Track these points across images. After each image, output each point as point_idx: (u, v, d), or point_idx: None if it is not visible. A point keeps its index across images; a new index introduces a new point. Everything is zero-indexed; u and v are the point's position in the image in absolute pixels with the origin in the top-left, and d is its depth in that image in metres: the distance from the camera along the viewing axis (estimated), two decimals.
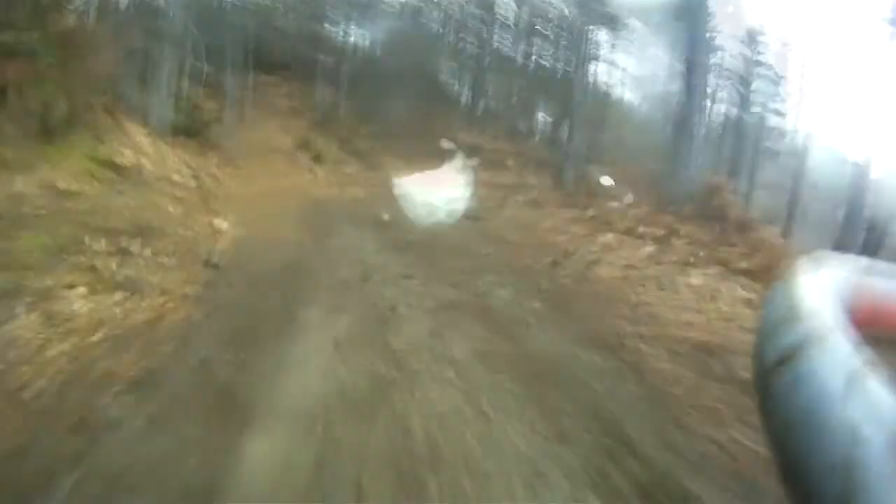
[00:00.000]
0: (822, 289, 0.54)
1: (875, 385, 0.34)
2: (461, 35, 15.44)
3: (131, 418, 2.32)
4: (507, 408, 2.78)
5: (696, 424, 2.81)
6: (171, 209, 5.96)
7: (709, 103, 12.34)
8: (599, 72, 13.16)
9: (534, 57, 14.78)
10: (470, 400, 2.82)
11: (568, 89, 11.94)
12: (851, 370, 0.34)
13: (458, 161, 9.46)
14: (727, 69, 12.72)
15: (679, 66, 10.26)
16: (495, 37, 14.78)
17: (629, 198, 8.59)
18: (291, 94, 14.14)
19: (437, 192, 8.03)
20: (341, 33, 15.00)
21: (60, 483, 1.85)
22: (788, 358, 0.41)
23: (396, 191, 8.24)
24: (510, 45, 14.88)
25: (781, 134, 13.10)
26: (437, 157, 9.83)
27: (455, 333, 3.79)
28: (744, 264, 5.95)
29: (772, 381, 0.42)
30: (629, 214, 7.87)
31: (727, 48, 12.55)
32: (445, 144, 9.94)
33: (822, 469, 0.31)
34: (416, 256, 5.84)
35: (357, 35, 15.11)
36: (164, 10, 9.08)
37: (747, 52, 12.87)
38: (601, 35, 12.78)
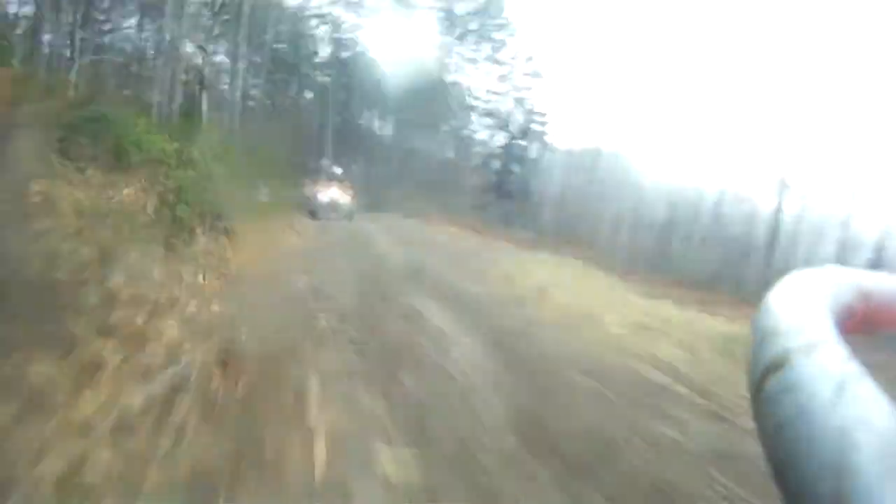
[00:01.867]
0: (814, 297, 0.60)
1: (866, 391, 0.42)
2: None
3: None
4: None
5: None
6: None
7: None
8: None
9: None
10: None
11: None
12: (843, 376, 0.42)
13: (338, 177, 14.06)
14: None
15: None
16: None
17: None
18: None
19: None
20: None
21: None
22: (781, 364, 0.46)
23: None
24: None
25: None
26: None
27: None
28: None
29: (764, 386, 0.46)
30: None
31: None
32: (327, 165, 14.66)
33: (814, 472, 0.38)
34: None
35: None
36: None
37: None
38: None
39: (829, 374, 0.33)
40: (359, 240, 9.73)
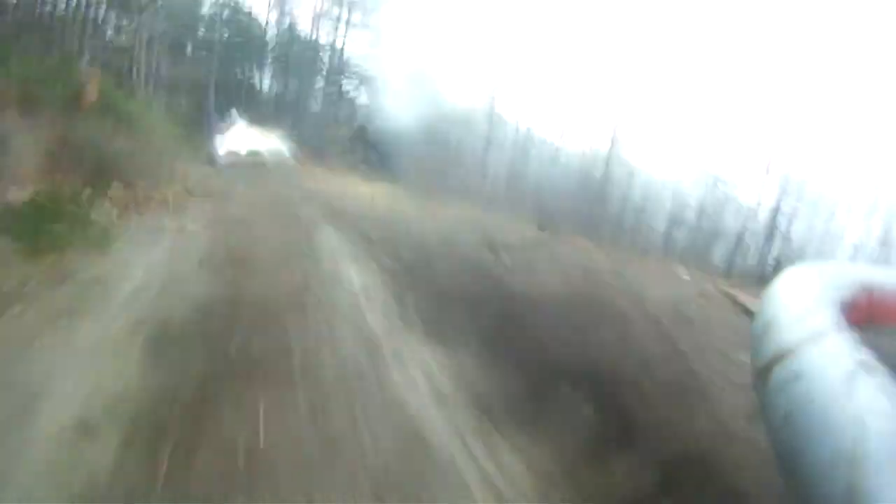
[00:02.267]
0: (817, 289, 0.57)
1: (877, 379, 0.36)
2: None
3: None
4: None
5: None
6: None
7: None
8: None
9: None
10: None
11: None
12: (853, 365, 0.37)
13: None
14: None
15: None
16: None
17: None
18: None
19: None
20: None
21: None
22: (786, 354, 0.46)
23: None
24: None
25: None
26: None
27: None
28: None
29: (770, 377, 0.47)
30: None
31: None
32: None
33: (826, 461, 0.34)
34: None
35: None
36: None
37: None
38: None
39: (838, 363, 0.47)
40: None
